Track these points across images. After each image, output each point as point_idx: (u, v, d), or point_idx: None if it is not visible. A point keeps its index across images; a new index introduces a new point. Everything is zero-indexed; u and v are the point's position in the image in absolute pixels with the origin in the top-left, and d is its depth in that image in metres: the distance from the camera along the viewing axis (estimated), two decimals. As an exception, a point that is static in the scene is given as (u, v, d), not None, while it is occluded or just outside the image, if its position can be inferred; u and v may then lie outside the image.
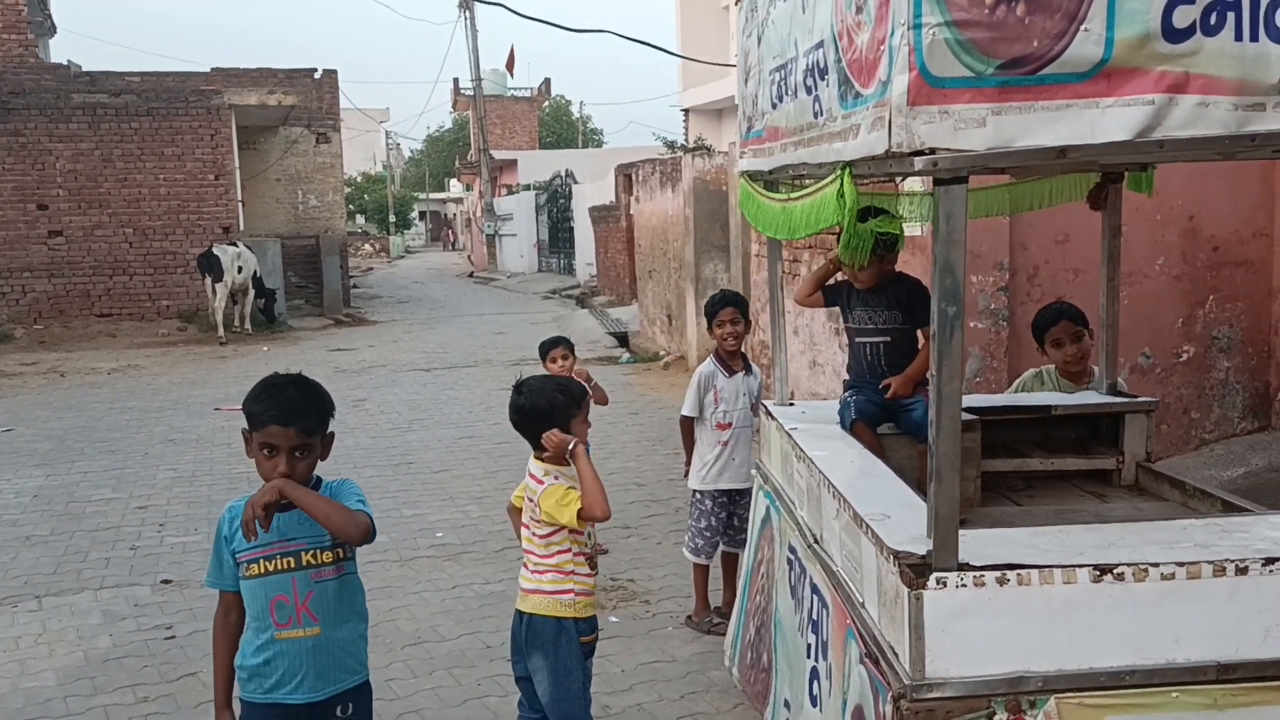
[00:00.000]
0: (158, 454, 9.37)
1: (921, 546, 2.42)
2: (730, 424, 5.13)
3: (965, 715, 2.31)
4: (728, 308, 5.11)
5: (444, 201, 70.03)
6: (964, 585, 2.31)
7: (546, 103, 57.56)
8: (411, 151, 78.36)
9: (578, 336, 17.79)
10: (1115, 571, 2.32)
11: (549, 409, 3.41)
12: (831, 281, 4.37)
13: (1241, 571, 2.32)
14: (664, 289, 14.66)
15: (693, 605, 5.34)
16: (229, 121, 19.33)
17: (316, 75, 23.93)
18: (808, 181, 3.15)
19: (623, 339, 16.47)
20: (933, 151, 2.08)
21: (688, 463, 5.34)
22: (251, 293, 18.33)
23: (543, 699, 3.46)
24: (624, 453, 8.96)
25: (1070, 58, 2.05)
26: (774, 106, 3.28)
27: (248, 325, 18.54)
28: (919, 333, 3.97)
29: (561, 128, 61.15)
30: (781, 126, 3.20)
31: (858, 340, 4.04)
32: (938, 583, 2.31)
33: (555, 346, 6.07)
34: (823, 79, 2.68)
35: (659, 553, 6.38)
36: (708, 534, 5.17)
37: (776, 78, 3.21)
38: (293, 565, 2.78)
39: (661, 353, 14.35)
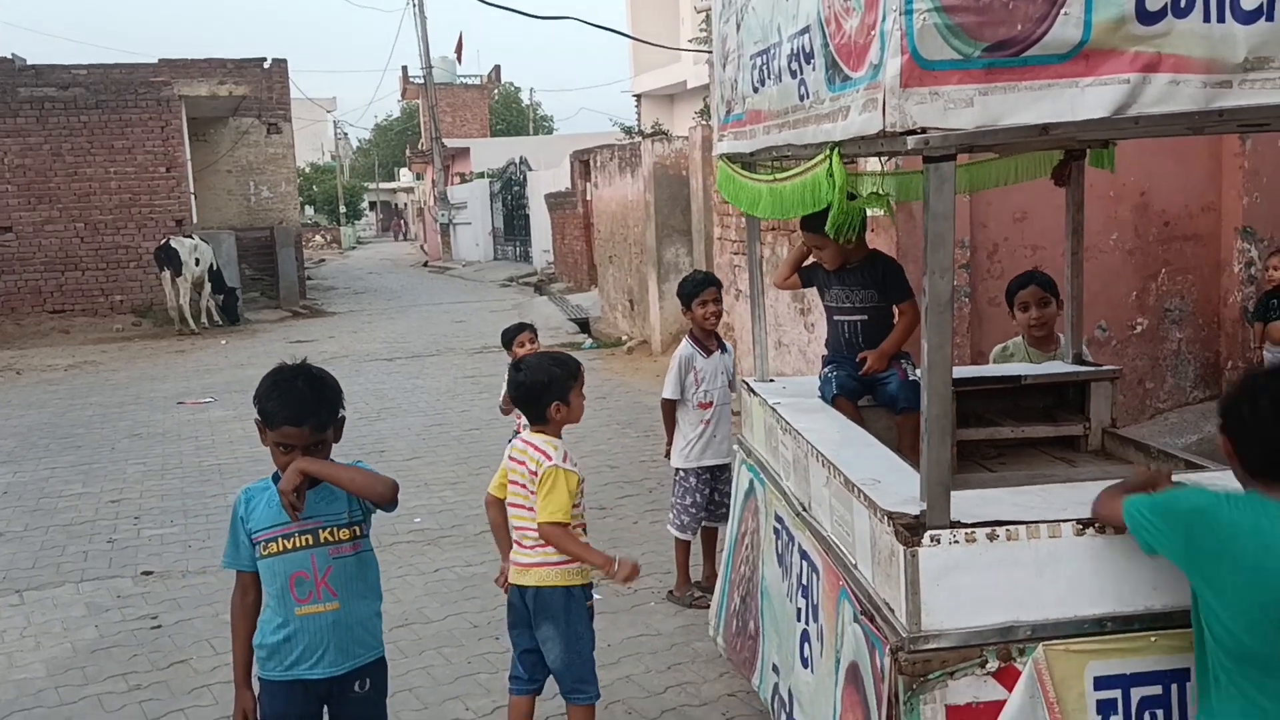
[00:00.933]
0: (125, 449, 9.32)
1: (914, 507, 2.55)
2: (711, 403, 5.25)
3: (959, 664, 2.45)
4: (709, 288, 5.23)
5: (394, 191, 69.51)
6: (956, 542, 2.44)
7: (496, 90, 57.25)
8: (360, 141, 77.65)
9: (539, 323, 17.82)
10: (1096, 525, 2.46)
11: (548, 382, 3.54)
12: (807, 263, 4.50)
13: (1213, 521, 2.47)
14: (625, 274, 14.75)
15: (674, 581, 5.46)
16: (179, 113, 19.11)
17: (266, 65, 23.67)
18: (791, 162, 3.27)
19: (584, 325, 16.55)
20: (924, 131, 2.20)
21: (669, 443, 5.45)
22: (208, 286, 18.16)
23: (554, 665, 3.58)
24: (594, 436, 9.05)
25: (1051, 40, 2.18)
26: (755, 90, 3.39)
27: (216, 318, 18.40)
28: (894, 309, 4.11)
29: (512, 115, 60.84)
30: (764, 109, 3.31)
31: (836, 318, 4.16)
32: (931, 540, 2.44)
33: (520, 332, 6.11)
34: (808, 63, 2.79)
35: (635, 532, 6.49)
36: (693, 510, 5.29)
37: (758, 62, 3.32)
38: (311, 542, 2.86)
39: (624, 337, 14.45)
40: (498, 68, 56.00)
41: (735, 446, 4.56)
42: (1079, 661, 2.45)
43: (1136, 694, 2.46)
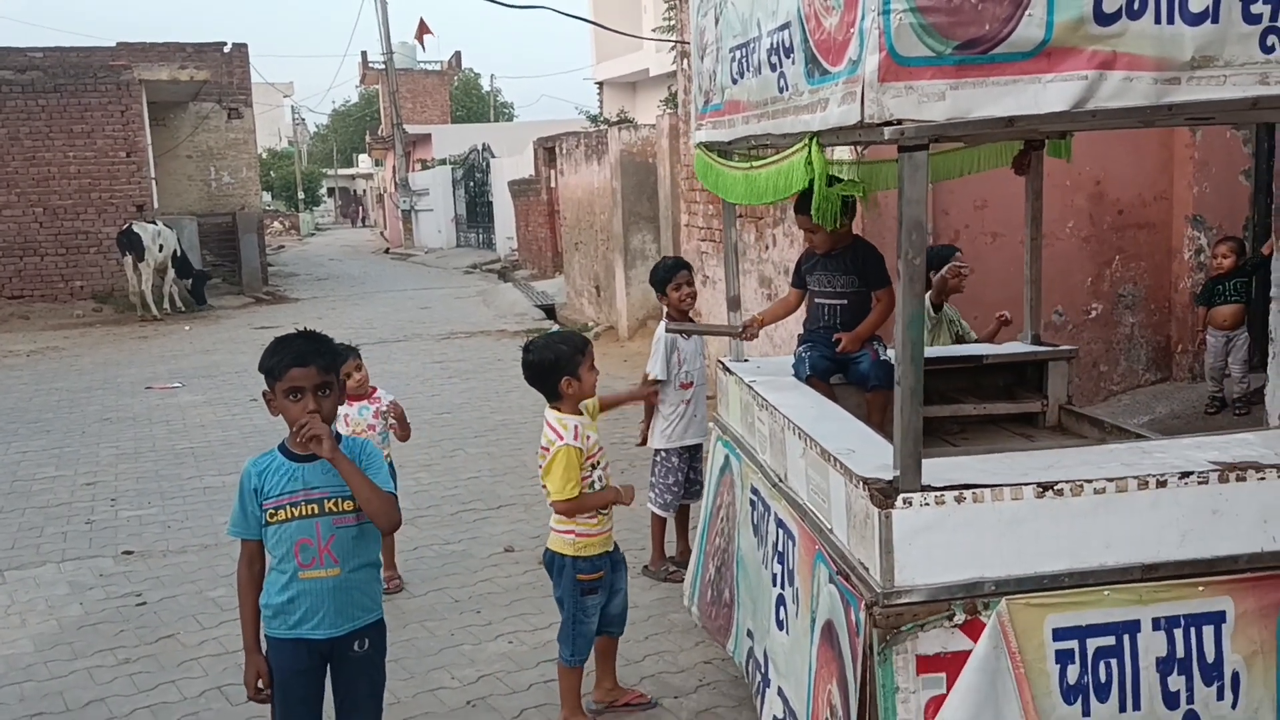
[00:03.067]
0: (95, 432, 9.34)
1: (887, 473, 2.73)
2: (692, 383, 5.42)
3: (929, 618, 2.64)
4: (681, 271, 5.39)
5: (353, 178, 68.96)
6: (927, 504, 2.63)
7: (457, 77, 56.98)
8: (317, 127, 76.89)
9: (503, 310, 18.00)
10: (1055, 488, 2.66)
11: (555, 360, 3.78)
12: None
13: (1161, 485, 2.68)
14: (591, 261, 14.89)
15: (649, 556, 5.63)
16: (140, 97, 18.95)
17: (226, 49, 23.48)
18: (769, 151, 3.43)
19: (550, 311, 16.68)
20: (900, 122, 2.37)
21: (647, 424, 5.58)
22: (171, 271, 18.08)
23: None
24: (565, 419, 9.20)
25: (1016, 39, 2.36)
26: (734, 82, 3.55)
27: (180, 304, 18.32)
28: (872, 295, 4.28)
29: (472, 102, 60.57)
30: (743, 100, 3.47)
31: (817, 300, 4.33)
32: (904, 502, 2.63)
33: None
34: (788, 57, 2.96)
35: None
36: (675, 489, 5.46)
37: (737, 55, 3.48)
38: (316, 511, 3.00)
39: (590, 323, 14.59)
40: (458, 54, 55.68)
41: (711, 425, 4.73)
42: (1039, 614, 2.65)
43: (1092, 644, 2.66)
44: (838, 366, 4.18)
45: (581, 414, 3.88)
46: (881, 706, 2.64)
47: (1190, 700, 2.71)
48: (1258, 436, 3.02)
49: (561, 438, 3.76)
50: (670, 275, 5.36)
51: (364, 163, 60.89)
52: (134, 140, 18.93)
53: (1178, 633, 2.69)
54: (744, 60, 3.41)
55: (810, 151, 2.77)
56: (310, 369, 2.94)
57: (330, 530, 3.01)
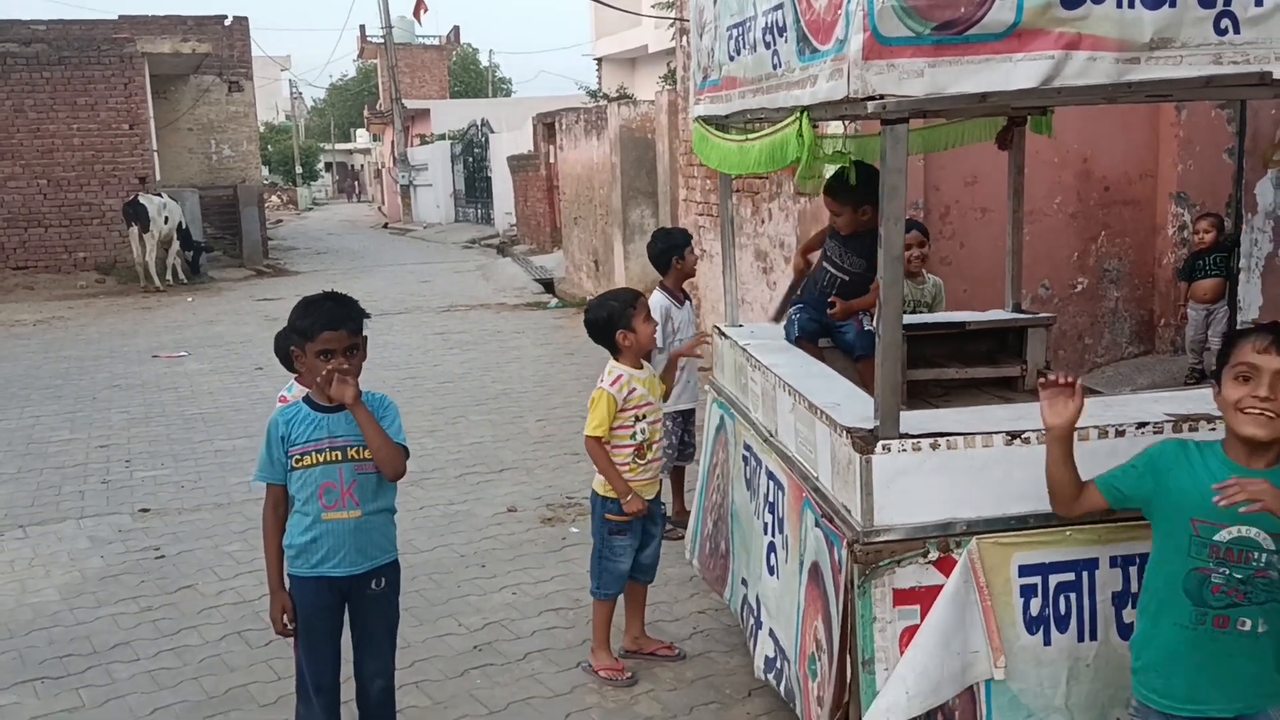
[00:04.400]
0: (106, 398, 9.57)
1: (869, 424, 2.96)
2: None
3: (905, 554, 2.87)
4: (690, 239, 5.69)
5: (350, 152, 68.85)
6: (905, 450, 2.86)
7: (455, 52, 56.90)
8: (314, 101, 76.68)
9: (502, 284, 18.19)
10: (1023, 436, 2.90)
11: (609, 316, 4.10)
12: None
13: (1119, 434, 2.91)
14: (590, 235, 15.08)
15: (645, 516, 5.86)
16: (142, 70, 19.07)
17: (227, 22, 23.59)
18: (761, 124, 3.64)
19: (549, 285, 16.87)
20: (882, 97, 2.58)
21: None
22: (176, 243, 18.26)
23: None
24: (566, 389, 9.43)
25: (989, 21, 2.56)
26: (731, 59, 3.76)
27: (181, 276, 18.52)
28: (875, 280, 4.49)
29: (469, 77, 60.48)
30: (739, 76, 3.68)
31: (824, 265, 4.53)
32: (884, 449, 2.86)
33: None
34: (781, 36, 3.16)
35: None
36: (670, 452, 5.69)
37: (734, 33, 3.68)
38: (340, 458, 3.23)
39: (589, 297, 14.78)
40: (456, 29, 55.65)
41: (706, 387, 4.95)
42: (1006, 552, 2.89)
43: (1054, 579, 2.90)
44: (825, 331, 4.41)
45: (642, 368, 4.17)
46: (861, 635, 2.88)
47: (1144, 632, 2.95)
48: (1212, 391, 3.24)
49: (602, 382, 4.09)
50: (686, 241, 5.67)
51: (361, 138, 60.81)
52: (137, 113, 19.06)
53: (1133, 570, 2.93)
54: (740, 38, 3.61)
55: (801, 125, 2.98)
56: (341, 332, 3.16)
57: (352, 475, 3.24)
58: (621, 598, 4.33)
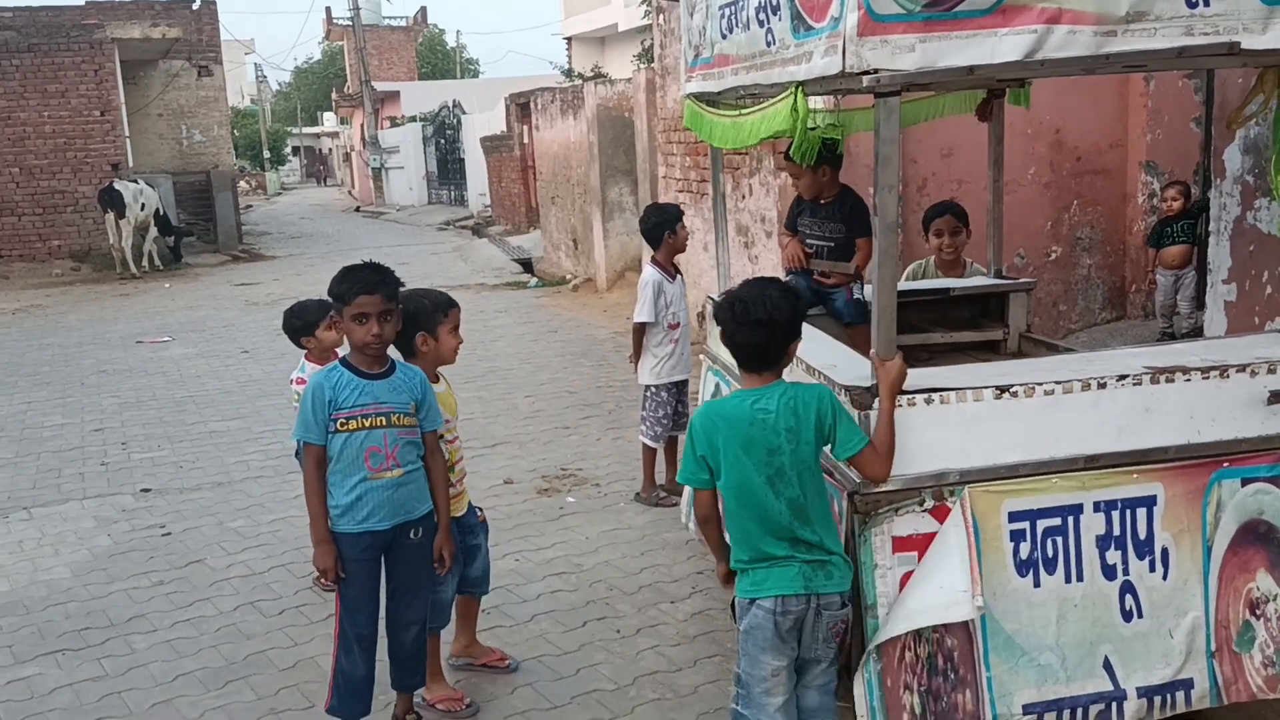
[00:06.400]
0: (95, 384, 9.62)
1: (866, 382, 3.13)
2: (679, 323, 5.81)
3: (902, 503, 3.05)
4: (682, 216, 5.85)
5: (318, 136, 68.33)
6: (900, 405, 3.03)
7: (423, 33, 56.53)
8: (279, 84, 75.97)
9: (480, 265, 18.28)
10: (1011, 390, 3.07)
11: (415, 313, 3.71)
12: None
13: (1101, 386, 3.10)
14: (568, 214, 15.18)
15: (639, 485, 6.04)
16: (113, 56, 18.94)
17: (195, 6, 23.38)
18: (753, 100, 3.79)
19: (527, 265, 16.97)
20: (876, 71, 2.74)
21: (636, 363, 5.96)
22: (154, 230, 18.21)
23: None
24: (552, 365, 9.57)
25: (976, -2, 2.73)
26: (724, 37, 3.89)
27: (158, 263, 18.47)
28: (856, 241, 4.67)
29: (437, 58, 60.08)
30: (732, 54, 3.82)
31: (809, 241, 4.73)
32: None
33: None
34: (774, 14, 3.31)
35: (599, 447, 7.05)
36: (665, 421, 5.85)
37: (726, 12, 3.82)
38: (385, 424, 3.41)
39: (568, 276, 14.92)
40: (423, 9, 55.23)
41: (701, 356, 5.11)
42: (996, 500, 3.07)
43: (1041, 524, 3.09)
44: (817, 299, 4.57)
45: (439, 380, 3.83)
46: (863, 581, 3.05)
47: (1126, 572, 3.15)
48: (1187, 346, 3.45)
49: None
50: (679, 215, 5.80)
51: (329, 121, 60.36)
52: (108, 99, 18.95)
53: (1115, 514, 3.12)
54: (733, 17, 3.75)
55: (796, 98, 3.13)
56: (376, 296, 3.34)
57: (396, 440, 3.43)
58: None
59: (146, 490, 6.50)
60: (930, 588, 3.01)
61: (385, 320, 3.38)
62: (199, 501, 6.26)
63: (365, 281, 3.36)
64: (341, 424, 3.38)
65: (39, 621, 4.74)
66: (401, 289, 3.78)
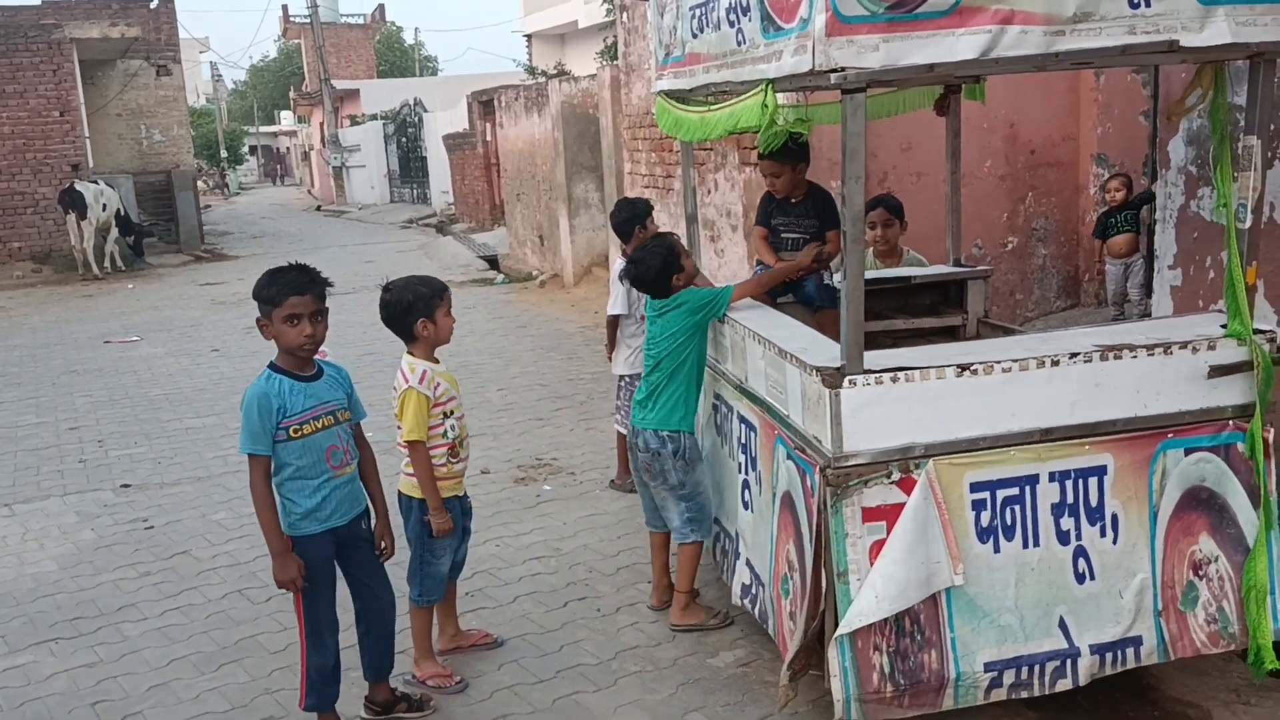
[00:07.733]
0: (66, 384, 9.64)
1: (835, 363, 3.32)
2: None
3: (871, 476, 3.24)
4: (652, 210, 5.99)
5: (275, 135, 67.80)
6: (869, 384, 3.22)
7: (381, 31, 56.29)
8: (235, 83, 75.25)
9: (446, 262, 18.34)
10: (971, 368, 3.27)
11: (413, 301, 3.85)
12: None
13: (1055, 364, 3.30)
14: (534, 211, 15.30)
15: (614, 472, 6.20)
16: (71, 56, 18.80)
17: (153, 4, 23.20)
18: (725, 96, 3.96)
19: (493, 262, 17.07)
20: (843, 69, 2.92)
21: (610, 353, 6.12)
22: (115, 230, 18.11)
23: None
24: (522, 359, 9.71)
25: (934, 0, 2.91)
26: (695, 36, 4.07)
27: (120, 263, 18.37)
28: (827, 235, 4.86)
29: (395, 56, 59.85)
30: (703, 53, 3.99)
31: (783, 235, 4.91)
32: (850, 383, 3.21)
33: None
34: (745, 15, 3.48)
35: (573, 437, 7.21)
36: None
37: (697, 13, 3.99)
38: (334, 421, 3.50)
39: (535, 272, 15.04)
40: (382, 7, 54.99)
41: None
42: (959, 471, 3.27)
43: (1000, 494, 3.29)
44: (787, 287, 4.76)
45: (438, 362, 3.93)
46: (835, 550, 3.24)
47: (1079, 538, 3.36)
48: (1134, 326, 3.67)
49: (406, 380, 3.85)
50: (649, 209, 5.93)
51: (286, 120, 59.93)
52: (67, 99, 18.81)
53: (1069, 483, 3.33)
54: (703, 17, 3.92)
55: (766, 95, 3.31)
56: (307, 297, 3.37)
57: (346, 434, 3.57)
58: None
59: (127, 486, 6.58)
60: (912, 563, 3.19)
61: (317, 320, 3.39)
62: (180, 496, 6.35)
63: (295, 282, 3.36)
64: (295, 430, 3.39)
65: (30, 612, 4.83)
66: (390, 281, 3.94)
